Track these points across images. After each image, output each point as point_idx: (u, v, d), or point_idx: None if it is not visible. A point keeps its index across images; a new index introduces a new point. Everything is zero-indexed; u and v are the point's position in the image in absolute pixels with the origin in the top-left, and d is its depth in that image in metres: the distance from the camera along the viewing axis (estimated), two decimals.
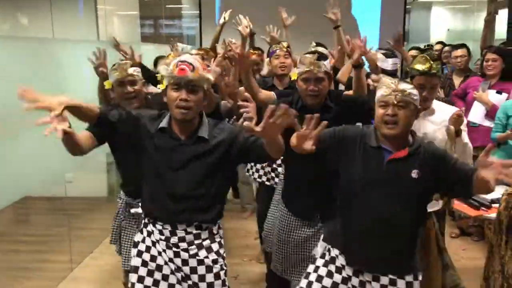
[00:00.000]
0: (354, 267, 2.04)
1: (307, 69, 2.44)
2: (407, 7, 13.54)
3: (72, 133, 1.96)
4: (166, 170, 2.08)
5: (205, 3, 5.98)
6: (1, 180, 3.40)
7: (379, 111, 1.98)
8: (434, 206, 2.54)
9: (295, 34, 4.09)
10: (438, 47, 6.19)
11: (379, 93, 2.00)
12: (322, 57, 2.55)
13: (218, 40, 4.05)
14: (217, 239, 2.19)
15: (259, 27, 4.07)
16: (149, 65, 5.13)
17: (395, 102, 1.93)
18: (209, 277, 2.12)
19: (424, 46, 6.37)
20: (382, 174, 1.97)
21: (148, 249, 2.17)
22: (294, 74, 2.60)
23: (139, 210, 2.36)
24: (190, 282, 2.11)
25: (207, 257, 2.13)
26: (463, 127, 2.60)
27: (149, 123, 2.11)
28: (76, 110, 1.90)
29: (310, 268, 2.14)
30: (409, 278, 2.02)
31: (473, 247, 4.17)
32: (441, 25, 11.43)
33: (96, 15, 5.54)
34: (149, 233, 2.18)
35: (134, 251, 2.20)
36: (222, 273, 2.16)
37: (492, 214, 2.75)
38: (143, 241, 2.19)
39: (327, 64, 2.54)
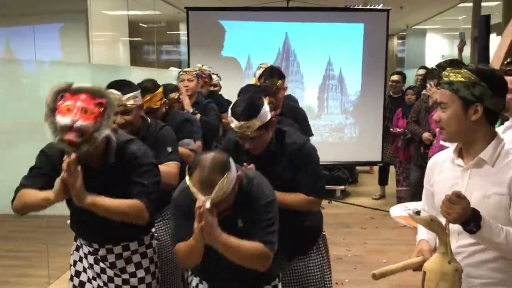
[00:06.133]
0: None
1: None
2: (403, 33, 13.81)
3: None
4: None
5: (192, 30, 6.18)
6: None
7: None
8: None
9: None
10: (421, 71, 6.31)
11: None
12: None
13: None
14: (149, 254, 2.21)
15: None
16: None
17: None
18: None
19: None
20: None
21: (74, 263, 2.21)
22: None
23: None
24: None
25: (134, 274, 2.14)
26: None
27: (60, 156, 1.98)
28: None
29: None
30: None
31: None
32: (435, 51, 11.62)
33: (87, 39, 5.76)
34: (78, 247, 2.21)
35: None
36: None
37: None
38: (72, 253, 2.24)
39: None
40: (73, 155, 1.78)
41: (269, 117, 2.24)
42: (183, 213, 1.88)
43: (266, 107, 2.23)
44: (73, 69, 4.99)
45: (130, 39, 7.37)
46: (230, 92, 5.57)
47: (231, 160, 1.83)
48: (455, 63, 1.66)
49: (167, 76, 6.56)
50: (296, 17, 6.27)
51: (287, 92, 3.39)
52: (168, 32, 10.35)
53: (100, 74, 5.39)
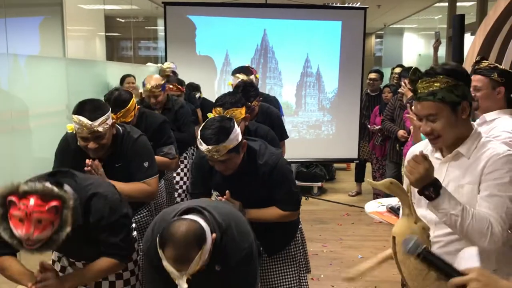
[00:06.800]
0: None
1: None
2: (380, 32, 13.93)
3: None
4: None
5: (170, 25, 6.14)
6: None
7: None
8: None
9: None
10: (398, 70, 6.37)
11: None
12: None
13: None
14: (133, 257, 2.24)
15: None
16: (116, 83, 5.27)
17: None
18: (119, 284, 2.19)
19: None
20: None
21: (53, 262, 2.22)
22: None
23: None
24: None
25: (120, 275, 2.17)
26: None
27: None
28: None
29: None
30: None
31: None
32: (412, 50, 11.77)
33: (63, 33, 5.66)
34: None
35: None
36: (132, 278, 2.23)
37: None
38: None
39: None
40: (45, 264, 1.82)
41: (239, 139, 2.19)
42: (153, 268, 1.81)
43: (236, 130, 2.18)
44: (48, 64, 4.90)
45: (107, 33, 7.27)
46: (207, 89, 5.57)
47: (206, 227, 1.70)
48: (428, 73, 1.64)
49: (144, 71, 6.50)
50: (274, 13, 6.27)
51: (266, 91, 3.38)
52: (145, 27, 10.25)
53: (76, 69, 5.30)
